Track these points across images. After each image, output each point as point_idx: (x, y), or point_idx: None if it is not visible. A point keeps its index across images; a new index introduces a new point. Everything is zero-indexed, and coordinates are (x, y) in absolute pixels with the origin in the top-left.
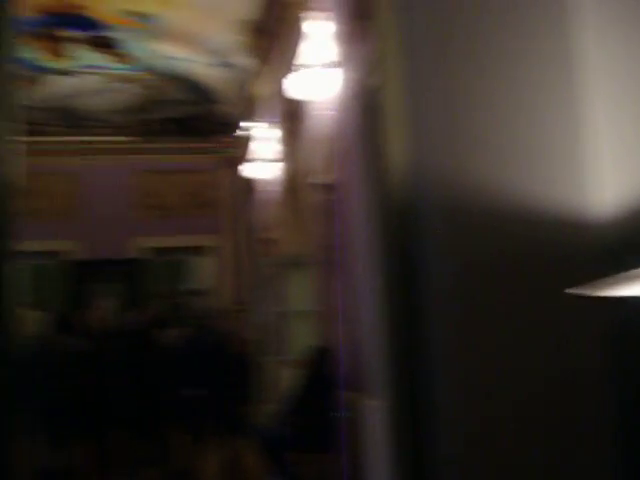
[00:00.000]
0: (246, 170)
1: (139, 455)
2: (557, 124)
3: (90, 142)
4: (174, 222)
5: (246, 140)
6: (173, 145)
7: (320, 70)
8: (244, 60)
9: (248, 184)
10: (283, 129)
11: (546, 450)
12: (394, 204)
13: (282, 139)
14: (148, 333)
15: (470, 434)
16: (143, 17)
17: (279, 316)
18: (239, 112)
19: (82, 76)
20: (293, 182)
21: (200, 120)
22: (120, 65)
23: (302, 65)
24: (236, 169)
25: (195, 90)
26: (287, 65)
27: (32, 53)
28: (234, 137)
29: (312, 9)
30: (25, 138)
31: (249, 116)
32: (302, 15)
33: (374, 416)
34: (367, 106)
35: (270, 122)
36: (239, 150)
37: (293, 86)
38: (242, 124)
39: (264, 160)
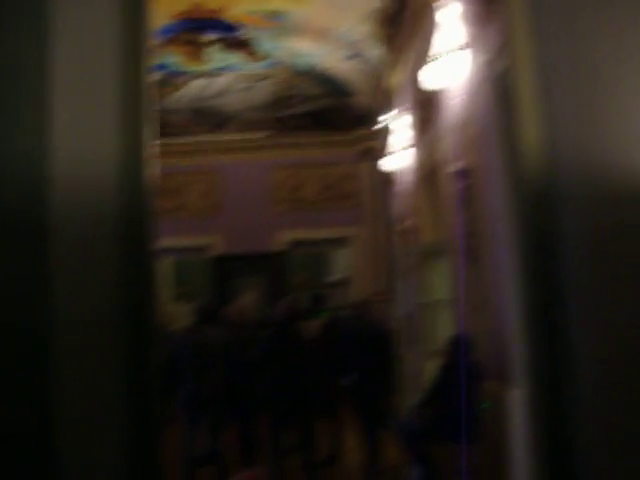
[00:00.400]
0: (383, 161)
1: (283, 442)
2: None
3: (230, 140)
4: (314, 215)
5: (382, 131)
6: (310, 139)
7: (452, 56)
8: (376, 51)
9: (386, 175)
10: (417, 118)
11: None
12: (530, 187)
13: (416, 128)
14: (291, 324)
15: (614, 421)
16: (274, 15)
17: (419, 306)
18: (374, 103)
19: (220, 77)
20: (429, 171)
21: (336, 113)
22: (255, 63)
23: (434, 52)
24: (374, 160)
25: (329, 84)
26: (419, 53)
27: (172, 58)
28: (370, 129)
29: None
30: (168, 140)
31: (384, 107)
32: (432, 1)
33: (515, 405)
34: (499, 89)
35: (404, 112)
36: (376, 141)
37: (426, 75)
38: (378, 115)
39: (400, 150)
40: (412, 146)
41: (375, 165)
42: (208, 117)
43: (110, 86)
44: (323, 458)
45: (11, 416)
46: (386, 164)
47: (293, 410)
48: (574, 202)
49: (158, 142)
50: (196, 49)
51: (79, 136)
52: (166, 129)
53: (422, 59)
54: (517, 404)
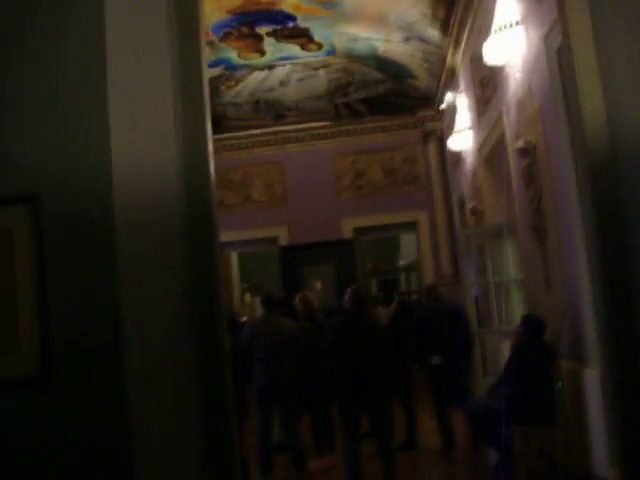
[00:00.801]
0: (448, 142)
1: (357, 429)
2: None
3: (292, 130)
4: (380, 200)
5: (445, 112)
6: (372, 124)
7: (509, 32)
8: (433, 32)
9: (451, 156)
10: (478, 96)
11: None
12: (594, 160)
13: (478, 108)
14: (360, 311)
15: None
16: (329, 3)
17: (490, 286)
18: (433, 85)
19: (278, 68)
20: (494, 150)
21: (397, 97)
22: (313, 53)
23: (490, 30)
24: (436, 142)
25: (388, 67)
26: (475, 32)
27: (230, 53)
28: (433, 110)
29: None
30: (230, 134)
31: (445, 88)
32: None
33: (592, 386)
34: (557, 64)
35: (465, 91)
36: (439, 122)
37: (485, 52)
38: (439, 96)
39: (464, 130)
40: (475, 126)
41: (439, 146)
42: (269, 109)
43: (167, 84)
44: (399, 443)
45: (86, 412)
46: (450, 145)
47: (365, 396)
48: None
49: (220, 136)
50: (253, 42)
51: (139, 138)
52: (228, 123)
53: (479, 37)
54: (593, 383)
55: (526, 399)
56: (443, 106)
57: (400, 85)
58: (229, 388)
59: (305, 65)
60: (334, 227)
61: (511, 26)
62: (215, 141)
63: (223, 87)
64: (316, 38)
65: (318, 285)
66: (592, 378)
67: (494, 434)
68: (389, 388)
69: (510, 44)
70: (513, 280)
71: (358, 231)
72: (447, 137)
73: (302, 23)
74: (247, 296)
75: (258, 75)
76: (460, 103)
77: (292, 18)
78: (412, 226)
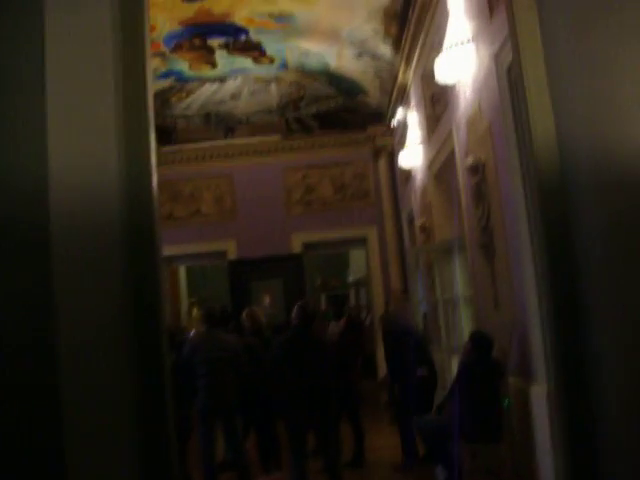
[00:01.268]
0: (398, 158)
1: (304, 446)
2: None
3: (242, 144)
4: (330, 215)
5: (396, 129)
6: (323, 140)
7: (459, 50)
8: (385, 48)
9: (401, 172)
10: (429, 114)
11: None
12: (543, 178)
13: (428, 125)
14: (308, 327)
15: None
16: (281, 17)
17: (439, 303)
18: (385, 101)
19: (230, 81)
20: (444, 167)
21: (349, 112)
22: (264, 66)
23: (442, 47)
24: (387, 158)
25: (340, 83)
26: (427, 49)
27: (181, 65)
28: (384, 127)
29: None
30: (179, 146)
31: (396, 104)
32: None
33: (539, 402)
34: (507, 82)
35: (416, 108)
36: (390, 139)
37: (436, 70)
38: (391, 113)
39: (413, 147)
40: (425, 142)
41: (390, 163)
42: (220, 122)
43: (109, 94)
44: (346, 460)
45: (18, 431)
46: (401, 161)
47: (312, 412)
48: (589, 191)
49: (170, 149)
50: (205, 54)
51: (79, 146)
52: (178, 135)
53: (430, 54)
54: (540, 399)
55: (474, 416)
56: (394, 123)
57: (352, 101)
58: (169, 404)
59: (257, 79)
60: (283, 242)
61: (462, 44)
62: (165, 153)
63: (174, 99)
64: (268, 52)
65: (267, 300)
66: (539, 394)
67: (442, 451)
68: (336, 404)
69: (461, 62)
70: (462, 297)
71: (307, 246)
72: (398, 153)
73: (254, 36)
74: (195, 310)
75: (209, 87)
76: (411, 120)
77: (244, 31)
78: (362, 242)
